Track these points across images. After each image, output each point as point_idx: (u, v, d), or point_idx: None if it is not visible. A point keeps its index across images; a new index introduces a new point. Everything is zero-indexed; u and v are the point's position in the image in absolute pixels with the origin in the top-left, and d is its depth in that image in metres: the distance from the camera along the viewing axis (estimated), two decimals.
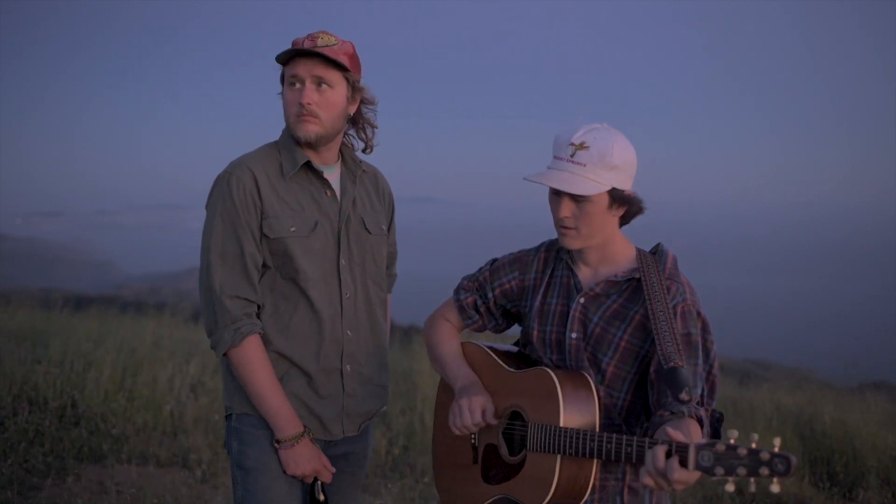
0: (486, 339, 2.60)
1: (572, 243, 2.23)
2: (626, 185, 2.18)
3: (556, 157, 2.19)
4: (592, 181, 2.12)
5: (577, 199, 2.16)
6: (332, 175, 2.52)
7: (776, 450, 1.76)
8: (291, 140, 2.46)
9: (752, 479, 1.78)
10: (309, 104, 2.37)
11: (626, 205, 2.21)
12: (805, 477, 5.73)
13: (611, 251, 2.27)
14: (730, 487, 1.81)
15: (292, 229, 2.41)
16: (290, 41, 2.45)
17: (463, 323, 2.50)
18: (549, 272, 2.37)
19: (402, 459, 5.71)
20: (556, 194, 2.20)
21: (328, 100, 2.40)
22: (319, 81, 2.38)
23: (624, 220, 2.28)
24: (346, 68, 2.41)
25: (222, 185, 2.41)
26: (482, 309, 2.47)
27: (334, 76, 2.40)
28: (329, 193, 2.50)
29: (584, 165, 2.12)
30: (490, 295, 2.45)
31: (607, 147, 2.13)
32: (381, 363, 2.60)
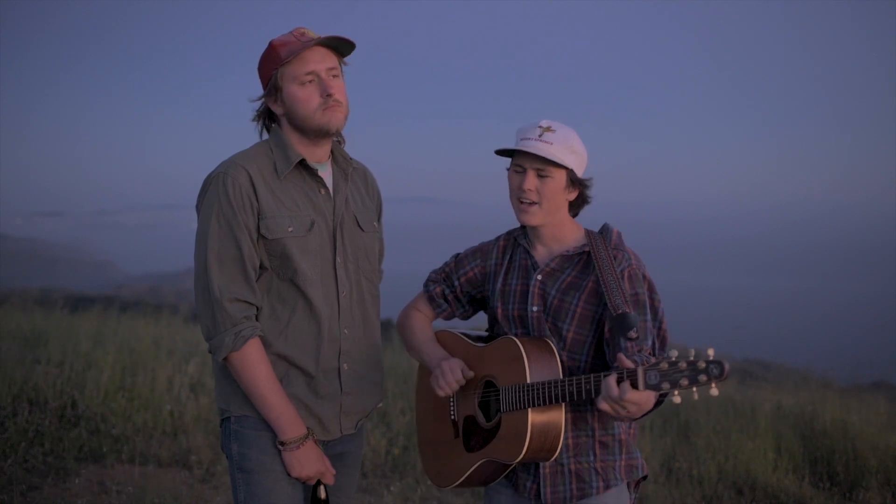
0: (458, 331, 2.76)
1: (532, 219, 2.47)
2: (580, 172, 2.48)
3: (524, 139, 2.44)
4: (559, 156, 2.41)
5: (540, 174, 2.43)
6: (325, 173, 2.52)
7: (711, 357, 2.03)
8: (283, 138, 2.46)
9: (693, 389, 2.05)
10: (335, 93, 2.41)
11: (578, 188, 2.49)
12: (805, 477, 5.73)
13: (562, 232, 2.52)
14: (676, 400, 2.09)
15: (290, 229, 2.40)
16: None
17: (434, 312, 2.72)
18: (507, 257, 2.61)
19: (402, 459, 5.71)
20: (519, 172, 2.46)
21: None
22: (331, 72, 2.43)
23: (573, 209, 2.54)
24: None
25: (217, 186, 2.38)
26: (450, 297, 2.69)
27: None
28: (323, 192, 2.50)
29: (552, 144, 2.41)
30: (456, 283, 2.68)
31: (570, 134, 2.45)
32: (376, 360, 2.61)
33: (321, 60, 2.40)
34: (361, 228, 2.57)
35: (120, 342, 6.80)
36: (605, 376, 2.18)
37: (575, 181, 2.46)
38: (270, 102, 2.47)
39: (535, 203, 2.45)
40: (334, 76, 2.43)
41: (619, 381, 2.14)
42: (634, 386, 2.11)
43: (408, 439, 5.98)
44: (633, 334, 2.26)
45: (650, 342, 2.40)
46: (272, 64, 2.41)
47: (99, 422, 5.45)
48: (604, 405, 2.16)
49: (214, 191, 2.38)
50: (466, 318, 2.77)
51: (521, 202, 2.46)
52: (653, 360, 2.18)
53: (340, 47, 2.45)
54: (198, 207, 2.44)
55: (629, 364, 2.15)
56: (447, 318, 2.76)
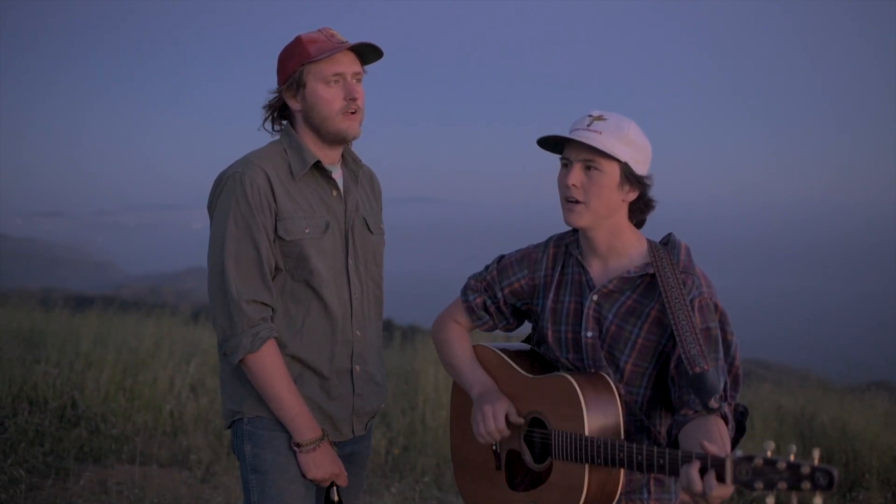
0: (494, 341, 2.59)
1: (578, 220, 2.17)
2: (639, 168, 2.16)
3: (573, 130, 2.17)
4: (609, 146, 2.12)
5: (588, 166, 2.14)
6: (336, 175, 2.51)
7: (816, 462, 1.71)
8: (298, 139, 2.44)
9: (793, 493, 1.74)
10: (359, 99, 2.41)
11: (638, 187, 2.18)
12: None
13: (620, 241, 2.22)
14: (770, 501, 1.77)
15: (306, 231, 2.39)
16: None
17: (473, 324, 2.46)
18: (559, 268, 2.32)
19: (402, 459, 5.71)
20: (566, 166, 2.18)
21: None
22: (356, 76, 2.42)
23: (635, 214, 2.25)
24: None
25: (234, 186, 2.35)
26: (492, 309, 2.42)
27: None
28: (335, 193, 2.49)
29: (601, 133, 2.12)
30: (500, 295, 2.40)
31: (625, 123, 2.15)
32: (381, 361, 2.62)
33: (350, 64, 2.40)
34: (370, 231, 2.56)
35: (120, 342, 6.80)
36: (684, 459, 1.88)
37: (631, 178, 2.15)
38: (288, 97, 2.44)
39: (581, 202, 2.16)
40: (358, 81, 2.43)
41: (702, 470, 1.84)
42: (721, 478, 1.81)
43: (408, 439, 5.99)
44: (713, 404, 2.00)
45: (722, 384, 2.11)
46: (299, 59, 2.39)
47: (99, 422, 5.45)
48: (684, 496, 1.97)
49: (231, 190, 2.35)
50: (510, 330, 2.50)
51: (568, 201, 2.18)
52: (742, 452, 1.85)
53: (366, 54, 2.44)
54: (211, 207, 2.42)
55: (715, 451, 1.84)
56: (488, 331, 2.49)
